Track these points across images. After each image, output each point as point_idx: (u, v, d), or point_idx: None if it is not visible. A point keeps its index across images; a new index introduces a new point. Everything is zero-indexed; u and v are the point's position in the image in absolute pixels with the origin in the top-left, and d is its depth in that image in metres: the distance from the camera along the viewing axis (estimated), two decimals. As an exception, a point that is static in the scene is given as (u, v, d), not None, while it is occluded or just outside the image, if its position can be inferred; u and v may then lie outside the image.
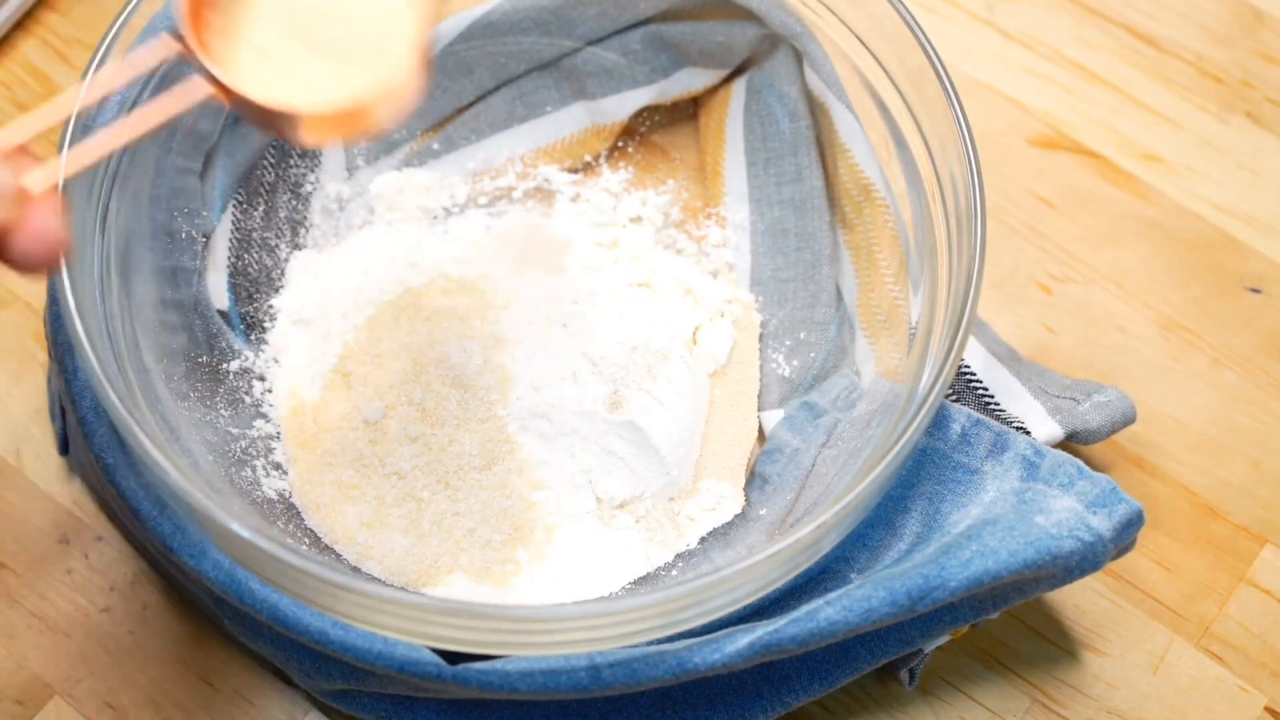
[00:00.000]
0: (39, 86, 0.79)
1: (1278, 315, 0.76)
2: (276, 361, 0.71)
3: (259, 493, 0.67)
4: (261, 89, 0.52)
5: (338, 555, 0.67)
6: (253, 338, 0.72)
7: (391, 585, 0.66)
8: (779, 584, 0.60)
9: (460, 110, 0.76)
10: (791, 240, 0.74)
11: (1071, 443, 0.69)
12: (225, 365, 0.69)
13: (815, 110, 0.74)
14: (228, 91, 0.52)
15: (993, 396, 0.69)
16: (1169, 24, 0.83)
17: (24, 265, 0.49)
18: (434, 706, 0.64)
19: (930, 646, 0.65)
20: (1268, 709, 0.68)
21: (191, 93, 0.52)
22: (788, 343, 0.73)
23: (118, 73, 0.60)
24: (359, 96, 0.52)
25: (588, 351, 0.69)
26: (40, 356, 0.73)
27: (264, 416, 0.69)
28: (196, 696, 0.66)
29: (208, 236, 0.71)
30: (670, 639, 0.60)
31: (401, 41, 0.53)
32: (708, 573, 0.56)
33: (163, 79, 0.67)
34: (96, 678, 0.66)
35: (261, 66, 0.53)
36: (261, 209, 0.73)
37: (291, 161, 0.74)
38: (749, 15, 0.73)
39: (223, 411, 0.68)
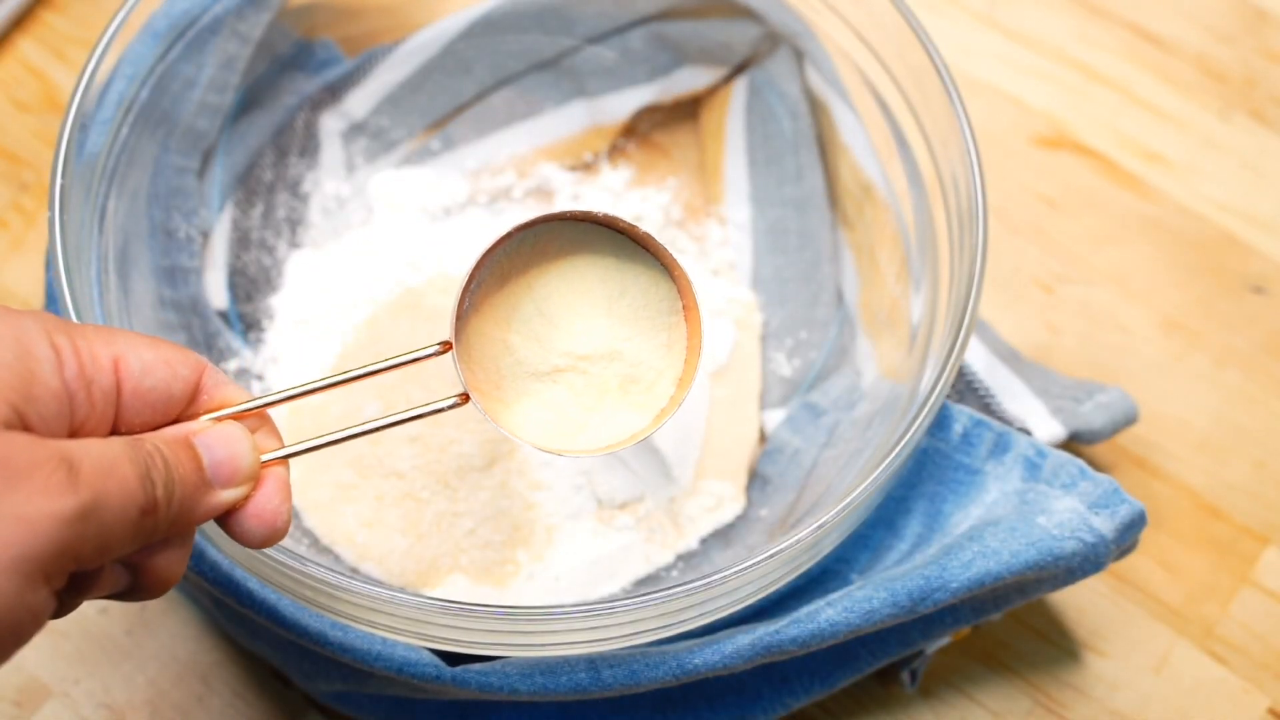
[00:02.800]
0: (38, 85, 0.79)
1: (1280, 315, 0.76)
2: (275, 361, 0.71)
3: (258, 493, 0.67)
4: (540, 436, 0.53)
5: (337, 556, 0.67)
6: (251, 337, 0.71)
7: (391, 586, 0.66)
8: (780, 585, 0.59)
9: (460, 109, 0.76)
10: (793, 239, 0.74)
11: (1074, 443, 0.69)
12: (224, 365, 0.69)
13: (816, 109, 0.74)
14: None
15: (994, 397, 0.69)
16: (1171, 23, 0.83)
17: (244, 542, 0.48)
18: (433, 707, 0.63)
19: (932, 647, 0.65)
20: (1270, 710, 0.68)
21: (438, 406, 0.51)
22: (789, 342, 0.73)
23: None
24: (632, 438, 0.53)
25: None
26: (38, 356, 0.73)
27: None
28: (194, 697, 0.66)
29: (206, 236, 0.70)
30: (670, 640, 0.59)
31: (667, 381, 0.54)
32: (708, 573, 0.56)
33: (160, 79, 0.67)
34: (94, 678, 0.66)
35: (533, 413, 0.53)
36: (260, 208, 0.73)
37: (290, 161, 0.74)
38: (749, 14, 0.73)
39: (221, 411, 0.68)
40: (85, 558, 0.42)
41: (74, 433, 0.44)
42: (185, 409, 0.48)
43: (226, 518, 0.48)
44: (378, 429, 0.51)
